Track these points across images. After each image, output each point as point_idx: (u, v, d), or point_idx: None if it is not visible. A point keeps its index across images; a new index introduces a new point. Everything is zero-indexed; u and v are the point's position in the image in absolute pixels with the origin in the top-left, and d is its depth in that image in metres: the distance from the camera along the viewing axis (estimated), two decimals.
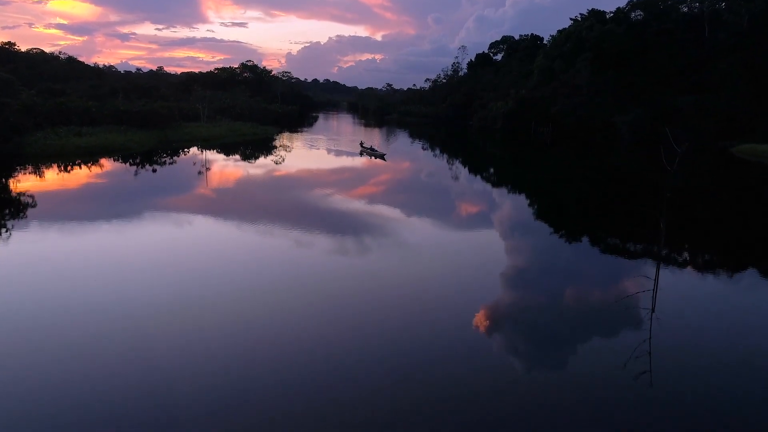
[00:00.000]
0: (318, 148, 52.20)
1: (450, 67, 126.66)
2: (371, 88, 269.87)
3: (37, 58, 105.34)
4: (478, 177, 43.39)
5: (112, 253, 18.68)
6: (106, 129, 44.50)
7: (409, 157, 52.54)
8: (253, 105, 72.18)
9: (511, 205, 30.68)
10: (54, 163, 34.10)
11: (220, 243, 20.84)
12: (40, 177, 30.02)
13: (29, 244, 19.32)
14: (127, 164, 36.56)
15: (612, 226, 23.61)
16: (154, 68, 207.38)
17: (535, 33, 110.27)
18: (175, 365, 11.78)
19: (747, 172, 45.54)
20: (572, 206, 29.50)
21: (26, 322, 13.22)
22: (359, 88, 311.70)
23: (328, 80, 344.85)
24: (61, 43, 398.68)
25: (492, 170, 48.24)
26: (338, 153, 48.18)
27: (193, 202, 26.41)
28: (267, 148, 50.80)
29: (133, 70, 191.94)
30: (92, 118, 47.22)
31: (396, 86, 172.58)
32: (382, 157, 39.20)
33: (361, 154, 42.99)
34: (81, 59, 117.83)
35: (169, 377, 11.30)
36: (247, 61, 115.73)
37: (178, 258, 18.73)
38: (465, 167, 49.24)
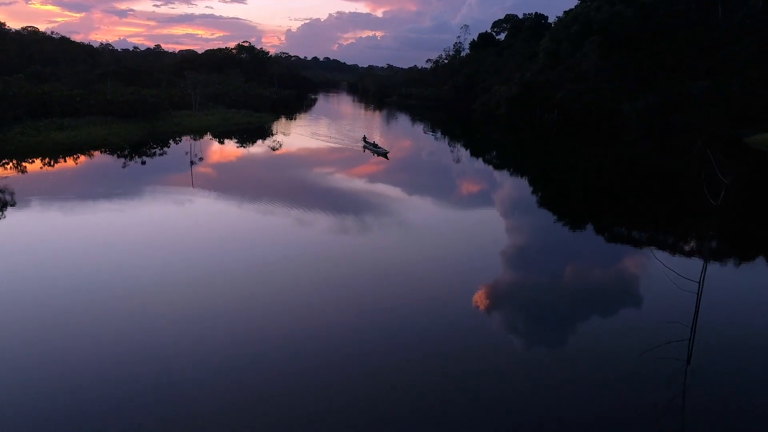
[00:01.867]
0: (314, 139, 49.82)
1: (452, 47, 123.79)
2: (372, 66, 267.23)
3: (27, 39, 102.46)
4: (480, 167, 41.22)
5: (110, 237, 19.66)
6: (91, 120, 42.33)
7: (412, 142, 50.65)
8: (247, 91, 69.39)
9: (517, 205, 28.63)
10: (28, 161, 31.92)
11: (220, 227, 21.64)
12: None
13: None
14: (105, 163, 34.45)
15: (643, 250, 21.37)
16: (152, 46, 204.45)
17: (539, 11, 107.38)
18: (178, 342, 12.35)
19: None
20: (588, 215, 27.38)
21: (32, 300, 14.13)
22: (360, 66, 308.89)
23: (328, 58, 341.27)
24: (58, 19, 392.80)
25: (495, 160, 46.14)
26: (338, 149, 45.90)
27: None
28: (257, 141, 48.65)
29: (131, 48, 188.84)
30: (76, 108, 45.00)
31: (397, 65, 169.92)
32: (384, 155, 36.90)
33: (363, 149, 40.68)
34: (78, 37, 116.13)
35: (173, 354, 11.85)
36: (244, 41, 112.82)
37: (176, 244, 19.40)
38: (468, 156, 47.16)
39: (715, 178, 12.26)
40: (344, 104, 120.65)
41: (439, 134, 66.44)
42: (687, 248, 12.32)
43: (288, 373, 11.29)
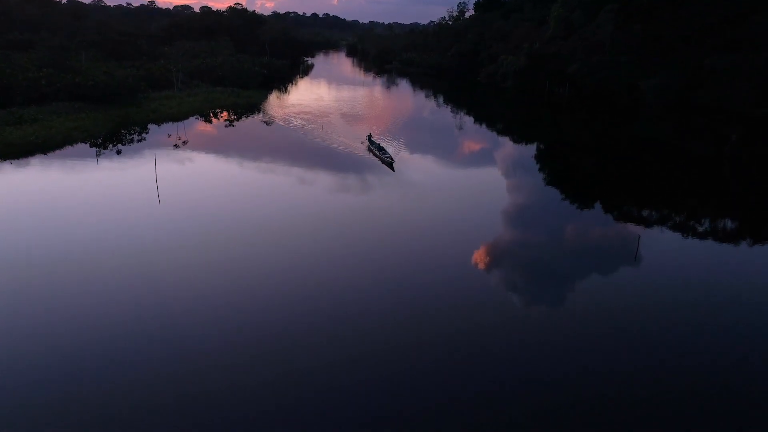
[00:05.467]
0: (297, 127, 45.63)
1: (455, 8, 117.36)
2: (372, 22, 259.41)
3: (10, 1, 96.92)
4: (484, 144, 37.29)
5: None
6: (56, 109, 38.31)
7: (414, 111, 46.35)
8: (236, 65, 64.09)
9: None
10: None
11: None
12: None
13: None
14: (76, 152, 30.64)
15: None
16: (146, 1, 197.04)
17: None
18: (183, 298, 13.61)
19: None
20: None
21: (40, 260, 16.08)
22: (360, 21, 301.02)
23: (327, 14, 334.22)
24: None
25: (500, 137, 42.12)
26: (331, 149, 41.74)
27: None
28: (234, 127, 44.67)
29: (124, 4, 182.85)
30: (42, 93, 40.85)
31: (398, 20, 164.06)
32: (390, 165, 31.21)
33: (368, 149, 35.28)
34: None
35: (178, 311, 13.03)
36: (236, 4, 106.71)
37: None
38: (471, 131, 43.20)
39: None
40: (344, 70, 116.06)
41: (441, 101, 65.38)
42: None
43: (289, 327, 12.24)
